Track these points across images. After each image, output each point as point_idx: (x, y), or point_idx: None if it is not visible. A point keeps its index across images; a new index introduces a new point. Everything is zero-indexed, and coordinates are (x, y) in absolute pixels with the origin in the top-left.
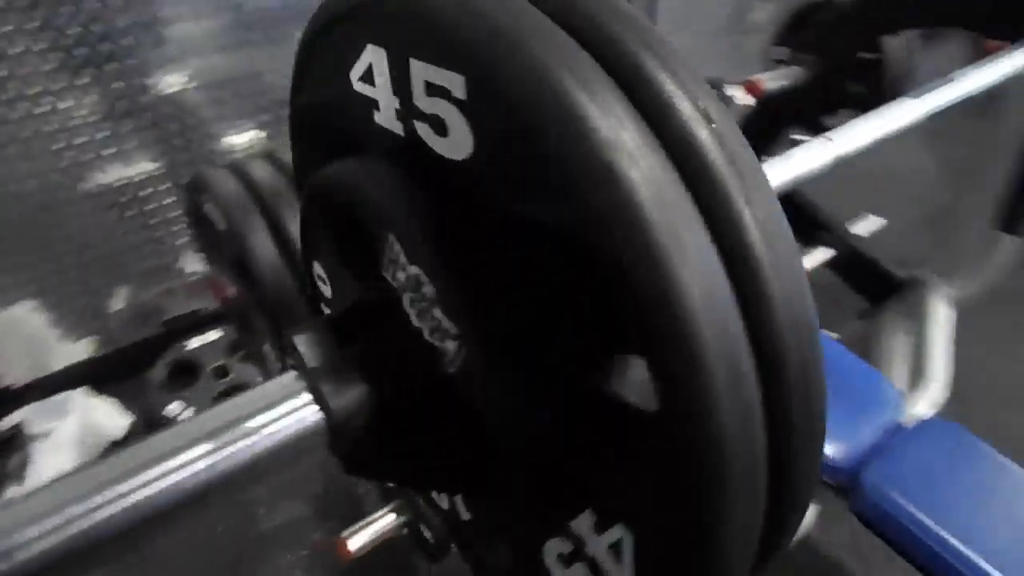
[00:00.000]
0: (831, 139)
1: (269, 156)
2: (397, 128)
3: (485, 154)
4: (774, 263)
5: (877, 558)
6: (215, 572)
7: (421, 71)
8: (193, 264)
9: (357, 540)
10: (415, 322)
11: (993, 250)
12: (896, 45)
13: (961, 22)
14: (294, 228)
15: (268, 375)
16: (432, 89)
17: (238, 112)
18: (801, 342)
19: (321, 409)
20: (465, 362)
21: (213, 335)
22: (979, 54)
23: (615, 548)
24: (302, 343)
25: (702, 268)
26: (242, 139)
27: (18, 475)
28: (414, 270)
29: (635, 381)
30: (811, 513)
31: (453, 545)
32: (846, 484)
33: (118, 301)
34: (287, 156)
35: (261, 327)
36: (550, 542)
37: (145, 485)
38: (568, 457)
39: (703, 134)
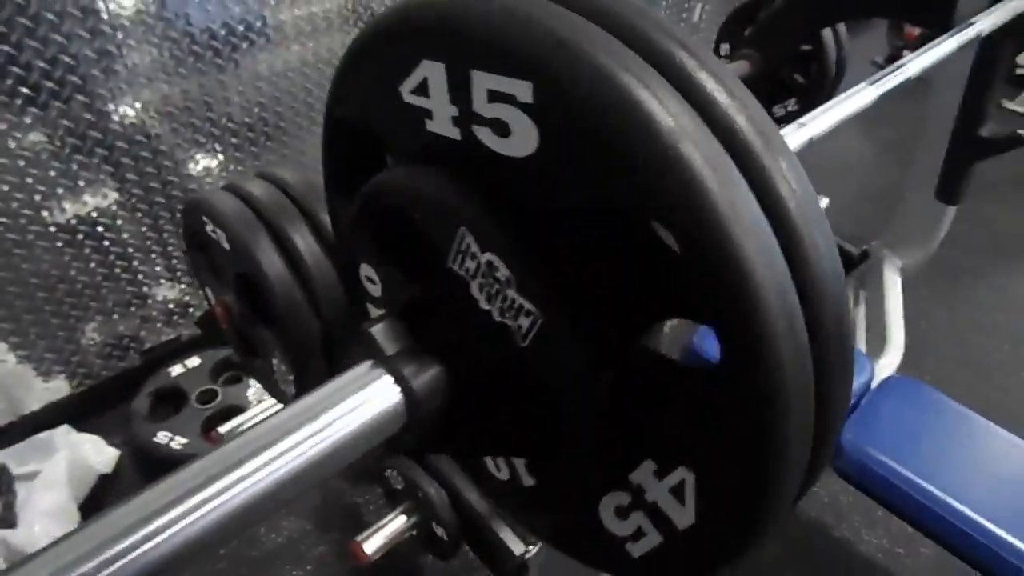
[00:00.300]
0: (804, 123)
1: (264, 175)
2: (453, 134)
3: (550, 150)
4: (810, 229)
5: (856, 516)
6: None
7: (483, 81)
8: (167, 292)
9: (372, 543)
10: (484, 305)
11: (935, 220)
12: (831, 36)
13: (895, 12)
14: (299, 241)
15: (276, 388)
16: (495, 96)
17: (203, 137)
18: (835, 295)
19: (403, 390)
20: (537, 335)
21: (194, 361)
22: (899, 41)
23: (677, 490)
24: (378, 333)
25: (760, 238)
26: (209, 163)
27: (7, 517)
28: (487, 257)
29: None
30: None
31: (465, 544)
32: None
33: (93, 335)
34: (281, 174)
35: (268, 342)
36: (606, 498)
37: (254, 472)
38: (630, 413)
39: (742, 120)
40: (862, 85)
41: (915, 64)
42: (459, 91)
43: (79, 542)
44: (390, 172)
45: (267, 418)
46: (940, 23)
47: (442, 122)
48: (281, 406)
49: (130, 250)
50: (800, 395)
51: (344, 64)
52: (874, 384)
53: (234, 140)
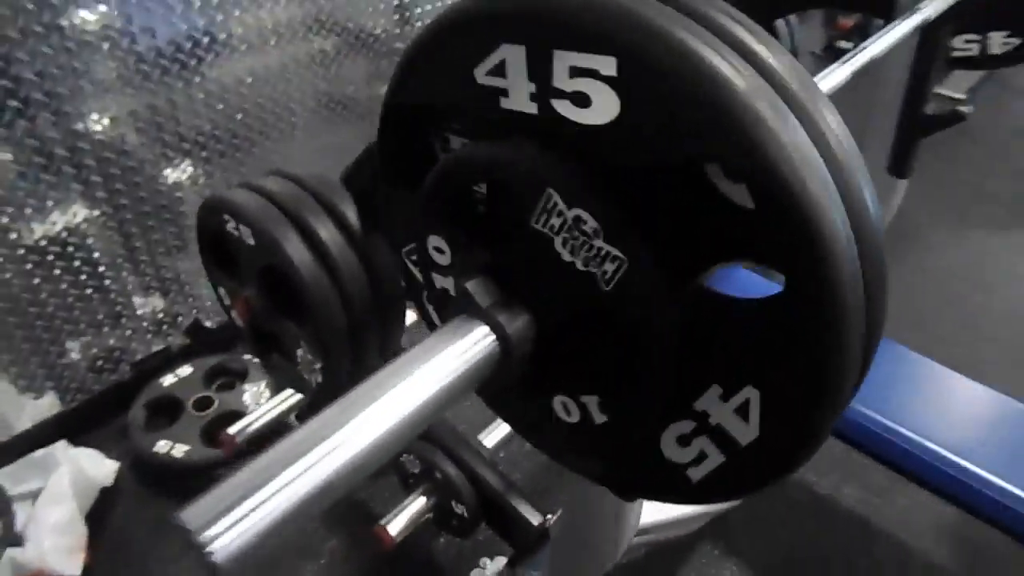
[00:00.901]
0: None
1: (277, 173)
2: (530, 108)
3: (631, 116)
4: (854, 167)
5: (835, 472)
6: None
7: (566, 59)
8: (155, 303)
9: (396, 525)
10: (567, 258)
11: (888, 194)
12: (784, 27)
13: (845, 3)
14: (323, 232)
15: (298, 380)
16: (577, 72)
17: (171, 149)
18: (878, 228)
19: (497, 337)
20: (622, 278)
21: (186, 370)
22: (834, 32)
23: (742, 408)
24: (473, 287)
25: (823, 181)
26: (187, 175)
27: (8, 536)
28: (574, 212)
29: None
30: None
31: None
32: None
33: (78, 352)
34: (293, 172)
35: (292, 335)
36: (669, 428)
37: (382, 413)
38: (699, 345)
39: (796, 82)
40: (835, 66)
41: (876, 45)
42: (539, 70)
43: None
44: (470, 147)
45: (383, 368)
46: (883, 11)
47: (519, 99)
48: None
49: (119, 260)
50: (857, 318)
51: (412, 53)
52: None
53: (218, 147)
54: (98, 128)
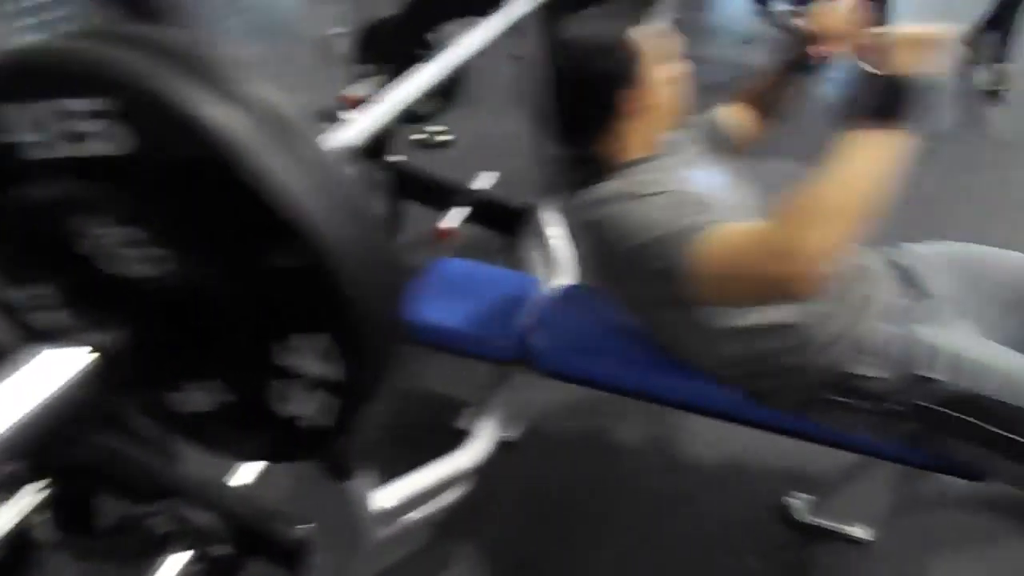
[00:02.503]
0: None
1: None
2: (48, 154)
3: (148, 146)
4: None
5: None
6: None
7: (70, 105)
8: None
9: None
10: (121, 271)
11: None
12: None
13: (470, 12)
14: None
15: None
16: (83, 115)
17: None
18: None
19: (97, 352)
20: (178, 273)
21: None
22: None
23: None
24: (53, 319)
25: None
26: None
27: None
28: (120, 230)
29: None
30: None
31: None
32: (525, 355)
33: None
34: None
35: None
36: (271, 387)
37: None
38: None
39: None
40: (426, 63)
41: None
42: (45, 119)
43: None
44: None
45: None
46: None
47: (35, 150)
48: None
49: None
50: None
51: None
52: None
53: None
54: None
